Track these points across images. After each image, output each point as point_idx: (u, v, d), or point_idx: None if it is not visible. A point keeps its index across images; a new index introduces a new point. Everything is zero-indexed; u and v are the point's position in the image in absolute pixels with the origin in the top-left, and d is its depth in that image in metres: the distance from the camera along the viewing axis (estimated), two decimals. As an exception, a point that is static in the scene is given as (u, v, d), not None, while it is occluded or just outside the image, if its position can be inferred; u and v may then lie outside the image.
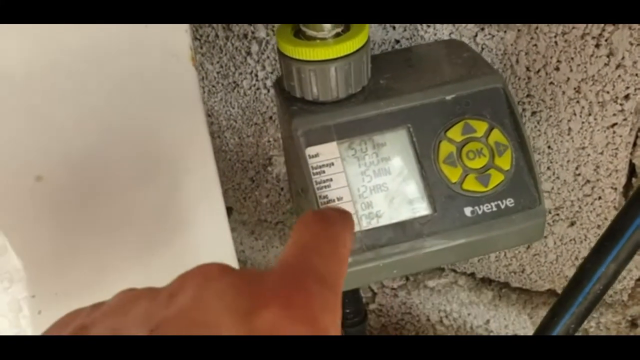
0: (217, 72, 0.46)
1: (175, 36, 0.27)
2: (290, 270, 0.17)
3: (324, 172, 0.28)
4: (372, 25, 0.38)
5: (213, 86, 0.47)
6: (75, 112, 0.26)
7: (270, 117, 0.47)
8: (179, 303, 0.16)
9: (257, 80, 0.45)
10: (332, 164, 0.28)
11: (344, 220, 0.21)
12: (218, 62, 0.45)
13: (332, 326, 0.16)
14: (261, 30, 0.42)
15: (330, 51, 0.27)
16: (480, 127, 0.29)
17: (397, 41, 0.38)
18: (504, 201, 0.28)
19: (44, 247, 0.27)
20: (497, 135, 0.29)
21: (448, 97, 0.29)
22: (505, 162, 0.28)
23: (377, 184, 0.28)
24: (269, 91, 0.45)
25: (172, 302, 0.16)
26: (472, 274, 0.49)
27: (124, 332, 0.16)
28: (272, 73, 0.44)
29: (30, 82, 0.25)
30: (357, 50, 0.27)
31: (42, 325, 0.27)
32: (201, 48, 0.45)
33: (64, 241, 0.27)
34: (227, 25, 0.43)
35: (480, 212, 0.28)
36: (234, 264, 0.35)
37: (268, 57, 0.43)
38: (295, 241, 0.19)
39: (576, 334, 0.33)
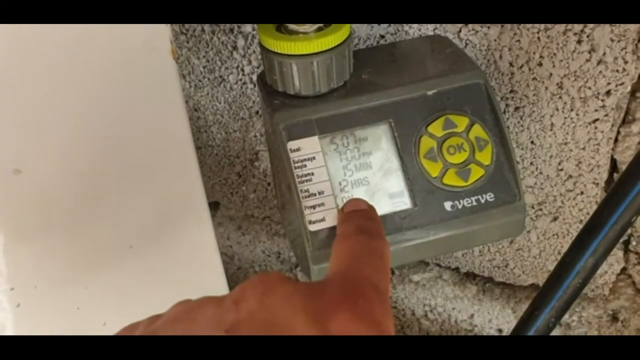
0: (204, 67, 0.46)
1: (156, 30, 0.27)
2: (348, 280, 0.19)
3: (305, 166, 0.28)
4: (357, 20, 0.38)
5: (199, 81, 0.47)
6: (53, 107, 0.26)
7: (257, 112, 0.47)
8: (247, 307, 0.17)
9: (243, 74, 0.45)
10: (314, 158, 0.28)
11: (381, 230, 0.23)
12: (204, 57, 0.45)
13: (392, 328, 0.18)
14: (247, 25, 0.42)
15: (312, 45, 0.27)
16: (461, 122, 0.29)
17: (382, 36, 0.38)
18: (483, 196, 0.28)
19: (23, 240, 0.27)
20: (477, 131, 0.29)
21: (429, 92, 0.29)
22: (485, 157, 0.29)
23: (358, 178, 0.28)
24: (255, 86, 0.45)
25: (239, 307, 0.17)
26: (457, 269, 0.49)
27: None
28: (258, 68, 0.44)
29: (8, 76, 0.25)
30: (339, 45, 0.27)
31: (22, 318, 0.27)
32: (187, 42, 0.45)
33: (43, 234, 0.27)
34: (213, 19, 0.43)
35: (460, 207, 0.28)
36: (216, 258, 0.35)
37: (254, 52, 0.43)
38: (344, 253, 0.21)
39: (558, 327, 0.34)
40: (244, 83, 0.45)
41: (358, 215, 0.24)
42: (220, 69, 0.45)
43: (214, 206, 0.57)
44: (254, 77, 0.44)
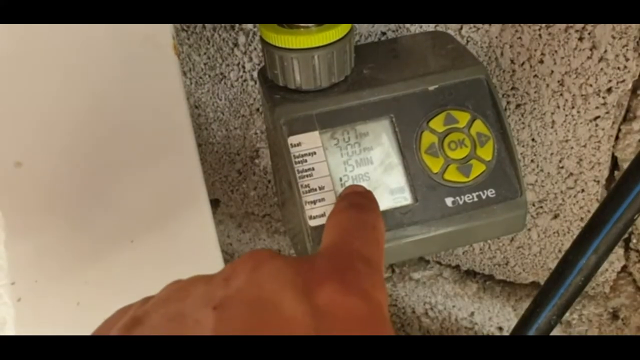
0: (204, 64, 0.46)
1: (158, 26, 0.27)
2: (337, 253, 0.19)
3: (306, 161, 0.28)
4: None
5: (200, 78, 0.47)
6: (54, 101, 0.26)
7: (257, 109, 0.47)
8: (236, 284, 0.17)
9: (244, 71, 0.45)
10: (314, 153, 0.28)
11: (375, 206, 0.23)
12: (205, 54, 0.45)
13: (384, 301, 0.17)
14: (248, 22, 0.42)
15: (313, 39, 0.27)
16: (463, 117, 0.29)
17: (384, 33, 0.38)
18: (485, 192, 0.28)
19: (24, 234, 0.27)
20: (479, 126, 0.29)
21: (431, 88, 0.29)
22: (487, 152, 0.29)
23: (359, 173, 0.28)
24: (256, 83, 0.45)
25: (229, 284, 0.17)
26: (457, 267, 0.49)
27: (185, 316, 0.16)
28: (258, 65, 0.44)
29: (9, 68, 0.25)
30: (340, 39, 0.27)
31: (22, 312, 0.27)
32: (188, 39, 0.45)
33: (44, 228, 0.27)
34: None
35: (461, 203, 0.28)
36: (217, 255, 0.35)
37: (255, 49, 0.43)
38: (335, 227, 0.21)
39: (558, 325, 0.34)
40: (245, 80, 0.45)
41: (352, 194, 0.24)
42: (221, 66, 0.45)
43: (214, 204, 0.57)
44: (255, 74, 0.44)
